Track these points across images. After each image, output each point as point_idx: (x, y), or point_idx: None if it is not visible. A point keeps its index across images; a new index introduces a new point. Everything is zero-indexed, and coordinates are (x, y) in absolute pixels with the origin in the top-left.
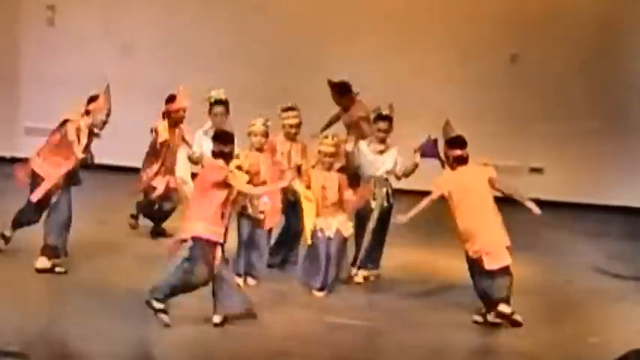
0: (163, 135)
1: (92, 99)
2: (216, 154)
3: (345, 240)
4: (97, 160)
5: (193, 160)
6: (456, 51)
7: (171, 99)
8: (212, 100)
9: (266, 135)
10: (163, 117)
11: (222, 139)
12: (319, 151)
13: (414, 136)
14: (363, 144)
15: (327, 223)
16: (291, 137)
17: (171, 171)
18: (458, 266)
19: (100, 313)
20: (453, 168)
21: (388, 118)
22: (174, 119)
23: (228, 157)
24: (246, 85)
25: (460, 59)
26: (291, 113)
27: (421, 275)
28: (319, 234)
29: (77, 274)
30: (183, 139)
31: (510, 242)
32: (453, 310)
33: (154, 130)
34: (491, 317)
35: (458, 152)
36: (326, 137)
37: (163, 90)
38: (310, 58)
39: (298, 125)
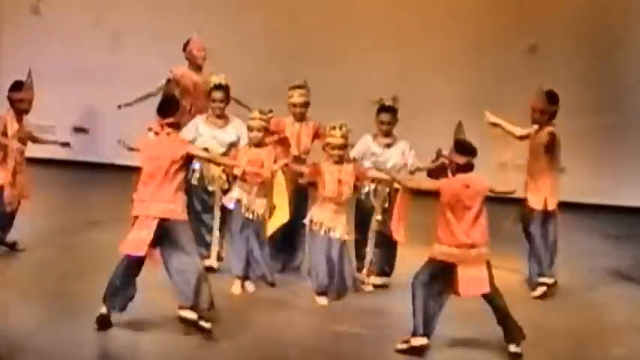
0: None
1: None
2: (171, 125)
3: (345, 243)
4: (81, 158)
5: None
6: (470, 41)
7: (16, 86)
8: (211, 85)
9: (266, 130)
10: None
11: (169, 108)
12: (327, 144)
13: (424, 131)
14: (368, 137)
15: (335, 223)
16: (298, 117)
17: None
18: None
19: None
20: (453, 174)
21: (391, 110)
22: (18, 110)
23: (177, 127)
24: (247, 79)
25: (474, 50)
26: (297, 91)
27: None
28: (322, 232)
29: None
30: (31, 138)
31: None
32: (470, 319)
33: None
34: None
35: (463, 160)
36: (333, 128)
37: (156, 83)
38: (319, 49)
39: (304, 104)
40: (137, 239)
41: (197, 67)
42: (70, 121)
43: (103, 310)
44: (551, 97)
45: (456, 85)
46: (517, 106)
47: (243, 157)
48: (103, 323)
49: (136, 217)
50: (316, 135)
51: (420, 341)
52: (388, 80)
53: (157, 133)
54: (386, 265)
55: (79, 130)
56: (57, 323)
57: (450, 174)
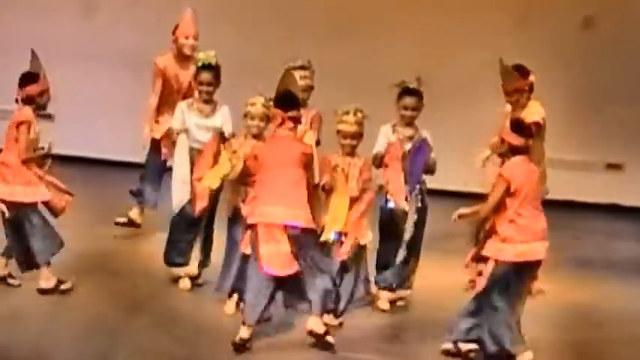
0: None
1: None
2: (293, 119)
3: (362, 248)
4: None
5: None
6: (513, 14)
7: (30, 79)
8: (199, 63)
9: (267, 119)
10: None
11: (290, 99)
12: (338, 131)
13: (453, 120)
14: (387, 128)
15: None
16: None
17: None
18: None
19: None
20: (506, 157)
21: (416, 93)
22: (38, 106)
23: (299, 121)
24: (241, 54)
25: (518, 24)
26: (298, 73)
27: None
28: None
29: None
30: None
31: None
32: None
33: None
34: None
35: (520, 141)
36: (346, 113)
37: (132, 58)
38: (332, 21)
39: (306, 89)
40: (280, 254)
41: (183, 58)
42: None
43: (244, 334)
44: (521, 70)
45: (495, 66)
46: (566, 90)
47: (240, 149)
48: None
49: (252, 226)
50: (315, 124)
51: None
52: (411, 59)
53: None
54: (408, 278)
55: (43, 116)
56: None
57: (499, 159)
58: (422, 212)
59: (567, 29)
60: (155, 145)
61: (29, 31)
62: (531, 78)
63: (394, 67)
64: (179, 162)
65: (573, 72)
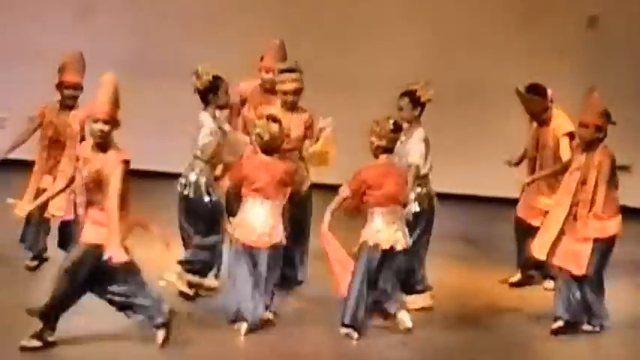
0: None
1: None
2: None
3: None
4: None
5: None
6: (517, 14)
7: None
8: (209, 77)
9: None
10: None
11: None
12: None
13: (457, 122)
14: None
15: (388, 232)
16: (289, 106)
17: None
18: (517, 293)
19: None
20: (599, 140)
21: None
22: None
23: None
24: (241, 59)
25: (523, 24)
26: (287, 76)
27: (477, 303)
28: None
29: None
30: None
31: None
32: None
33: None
34: None
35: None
36: (377, 123)
37: (129, 63)
38: (333, 23)
39: (297, 91)
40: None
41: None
42: (26, 110)
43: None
44: (538, 90)
45: (502, 66)
46: (571, 90)
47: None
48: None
49: None
50: (307, 129)
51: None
52: (416, 62)
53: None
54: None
55: None
56: None
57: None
58: (419, 216)
59: (572, 29)
60: None
61: (25, 35)
62: (549, 92)
63: (399, 71)
64: None
65: (578, 72)
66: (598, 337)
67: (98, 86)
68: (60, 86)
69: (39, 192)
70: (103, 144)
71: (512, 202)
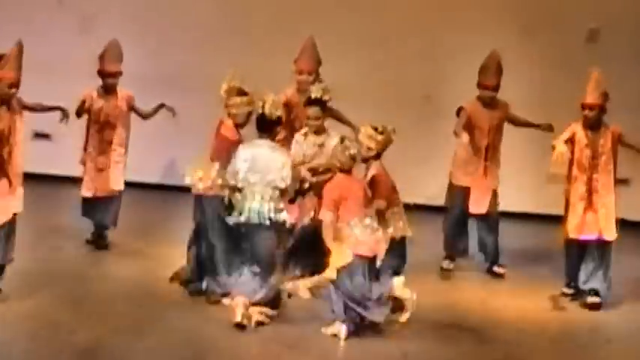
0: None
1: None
2: None
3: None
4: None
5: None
6: (517, 27)
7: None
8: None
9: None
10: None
11: None
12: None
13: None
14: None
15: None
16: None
17: None
18: (517, 303)
19: None
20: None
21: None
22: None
23: None
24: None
25: (522, 37)
26: (239, 100)
27: (477, 315)
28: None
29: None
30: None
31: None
32: None
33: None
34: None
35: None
36: (375, 129)
37: (133, 74)
38: (338, 35)
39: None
40: None
41: (302, 92)
42: (30, 124)
43: None
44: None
45: (502, 79)
46: (571, 102)
47: None
48: None
49: None
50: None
51: None
52: (417, 73)
53: None
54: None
55: (40, 135)
56: None
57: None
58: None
59: (572, 42)
60: None
61: (26, 46)
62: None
63: (400, 81)
64: None
65: (578, 85)
66: (600, 351)
67: None
68: (101, 74)
69: (97, 171)
70: None
71: (506, 215)
